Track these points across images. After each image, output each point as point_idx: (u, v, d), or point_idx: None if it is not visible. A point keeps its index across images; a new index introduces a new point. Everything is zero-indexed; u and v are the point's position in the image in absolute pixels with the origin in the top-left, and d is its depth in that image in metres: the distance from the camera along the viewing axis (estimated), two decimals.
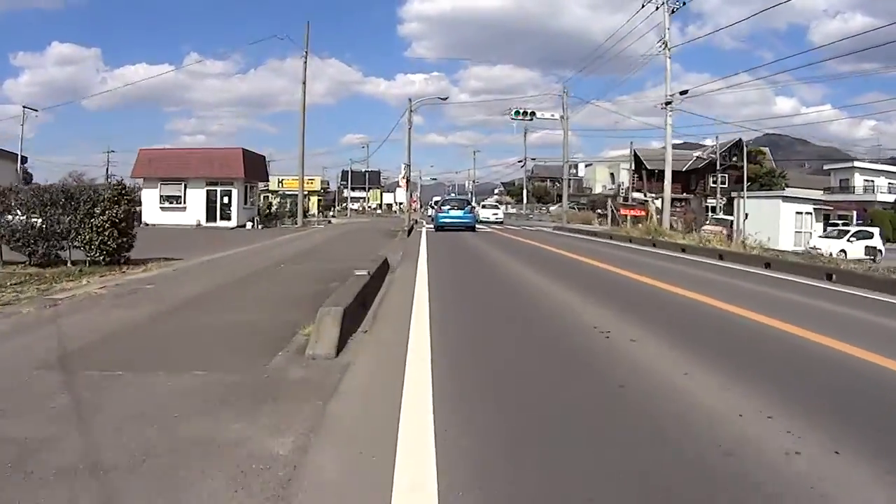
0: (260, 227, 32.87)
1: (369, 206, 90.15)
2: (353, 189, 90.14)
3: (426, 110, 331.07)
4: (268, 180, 36.22)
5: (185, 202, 33.50)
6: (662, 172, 52.92)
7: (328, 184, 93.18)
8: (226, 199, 32.87)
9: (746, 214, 29.47)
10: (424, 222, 39.79)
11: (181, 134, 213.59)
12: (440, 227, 25.42)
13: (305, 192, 55.08)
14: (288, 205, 39.86)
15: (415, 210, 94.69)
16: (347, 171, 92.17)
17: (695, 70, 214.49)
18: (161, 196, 33.83)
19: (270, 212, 35.66)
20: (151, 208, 33.73)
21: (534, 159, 61.32)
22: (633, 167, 50.55)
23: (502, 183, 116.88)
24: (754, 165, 48.19)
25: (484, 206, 46.10)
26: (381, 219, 51.56)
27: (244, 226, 32.55)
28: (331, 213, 59.01)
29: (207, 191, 33.16)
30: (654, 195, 39.43)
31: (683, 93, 29.22)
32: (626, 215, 31.63)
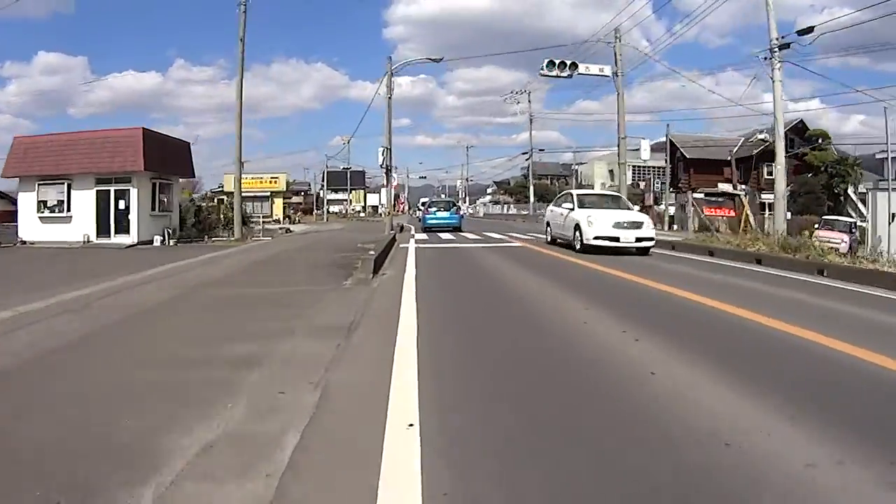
0: (173, 242, 21.95)
1: (352, 209, 79.46)
2: (333, 190, 79.33)
3: (413, 112, 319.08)
4: (192, 175, 25.24)
5: (69, 209, 22.54)
6: (703, 161, 42.47)
7: (309, 186, 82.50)
8: (123, 204, 21.94)
9: (893, 215, 19.16)
10: (413, 228, 29.06)
11: None
12: (427, 228, 25.41)
13: (268, 193, 44.42)
14: (225, 208, 28.77)
15: (401, 212, 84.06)
16: (331, 171, 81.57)
17: (680, 65, 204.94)
18: (39, 202, 22.88)
19: (199, 220, 24.76)
20: (29, 220, 22.75)
21: (542, 150, 50.70)
22: (668, 156, 40.01)
23: (495, 182, 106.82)
24: (820, 152, 37.90)
25: (584, 204, 14.40)
26: (361, 223, 40.80)
27: (151, 241, 21.66)
28: (297, 219, 48.00)
29: (98, 192, 22.20)
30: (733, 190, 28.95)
31: (805, 31, 18.71)
32: (712, 216, 21.13)
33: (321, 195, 63.08)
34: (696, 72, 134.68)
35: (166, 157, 23.02)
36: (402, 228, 27.40)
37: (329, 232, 26.68)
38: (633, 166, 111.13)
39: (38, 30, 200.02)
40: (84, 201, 22.23)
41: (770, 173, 41.02)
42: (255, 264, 11.52)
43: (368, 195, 78.04)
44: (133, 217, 21.59)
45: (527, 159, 47.67)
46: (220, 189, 44.08)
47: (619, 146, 21.10)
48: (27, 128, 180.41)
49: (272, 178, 44.18)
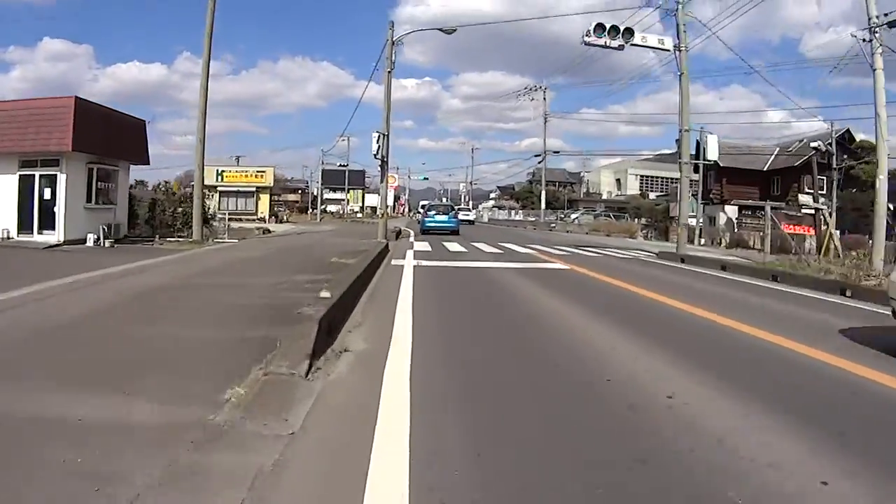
0: (108, 243, 17.15)
1: (350, 210, 74.92)
2: (331, 189, 74.72)
3: (416, 115, 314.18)
4: (147, 162, 20.43)
5: None
6: (737, 171, 37.60)
7: (307, 184, 77.88)
8: (49, 193, 17.15)
9: None
10: (412, 234, 24.38)
11: (172, 134, 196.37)
12: (426, 231, 25.26)
13: (253, 189, 39.49)
14: (218, 203, 23.78)
15: (401, 214, 79.27)
16: (330, 170, 77.20)
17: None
18: None
19: (153, 215, 19.97)
20: None
21: (556, 152, 45.84)
22: (702, 164, 35.08)
23: (499, 187, 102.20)
24: (868, 165, 33.18)
25: None
26: (355, 226, 35.94)
27: (83, 240, 16.88)
28: (285, 217, 43.14)
29: (21, 177, 17.44)
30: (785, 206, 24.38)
31: None
32: (791, 233, 16.32)
33: (315, 193, 58.19)
34: (701, 84, 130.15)
35: (110, 137, 18.21)
36: (399, 234, 22.66)
37: (312, 235, 21.89)
38: (641, 176, 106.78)
39: (43, 16, 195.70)
40: (5, 189, 17.46)
41: (811, 186, 36.26)
42: (144, 296, 6.71)
43: (367, 196, 73.23)
44: (59, 210, 16.77)
45: (539, 162, 42.85)
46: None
47: (679, 141, 16.38)
48: None
49: (258, 171, 39.16)
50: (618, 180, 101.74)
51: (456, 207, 38.46)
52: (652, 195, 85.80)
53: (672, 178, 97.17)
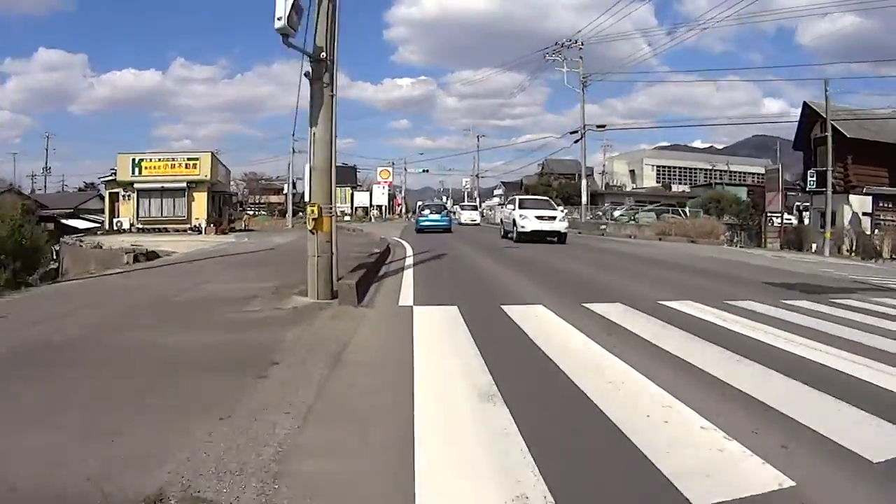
0: None
1: (340, 212, 62.90)
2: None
3: (413, 114, 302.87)
4: None
5: None
6: (870, 146, 24.51)
7: (294, 184, 66.59)
8: None
9: None
10: (409, 251, 13.07)
11: (168, 139, 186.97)
12: (420, 230, 25.81)
13: (184, 184, 27.20)
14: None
15: (398, 215, 67.54)
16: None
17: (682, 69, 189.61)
18: None
19: None
20: None
21: (601, 127, 34.32)
22: (831, 140, 23.50)
23: (503, 182, 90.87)
24: None
25: None
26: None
27: None
28: (236, 226, 31.52)
29: None
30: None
31: None
32: None
33: (287, 192, 46.71)
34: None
35: None
36: (386, 254, 11.23)
37: (208, 266, 10.49)
38: (658, 166, 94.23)
39: (39, 26, 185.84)
40: None
41: None
42: None
43: (357, 194, 61.40)
44: None
45: (576, 140, 31.41)
46: (112, 177, 27.43)
47: None
48: (27, 124, 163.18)
49: (190, 159, 26.87)
50: (632, 171, 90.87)
51: (447, 207, 33.17)
52: (679, 187, 74.56)
53: (695, 168, 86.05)
